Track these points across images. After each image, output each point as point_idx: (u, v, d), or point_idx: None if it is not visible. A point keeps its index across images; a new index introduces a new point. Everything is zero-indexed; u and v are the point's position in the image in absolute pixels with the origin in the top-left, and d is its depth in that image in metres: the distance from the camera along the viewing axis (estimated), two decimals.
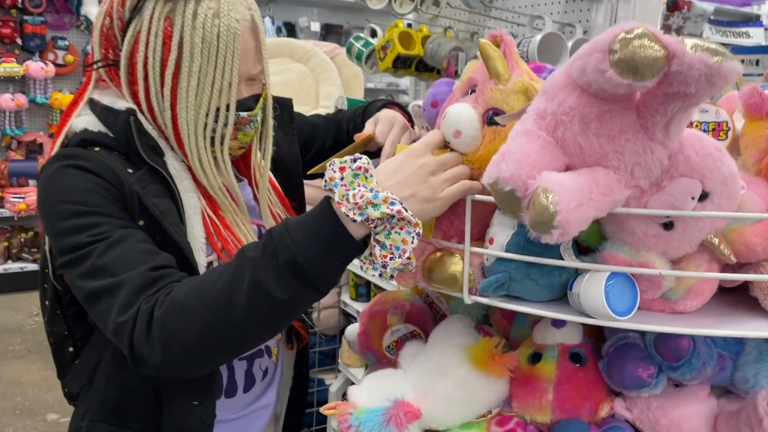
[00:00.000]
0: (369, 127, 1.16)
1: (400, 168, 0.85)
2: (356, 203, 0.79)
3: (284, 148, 1.23)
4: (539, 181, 0.71)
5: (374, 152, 1.11)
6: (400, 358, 1.08)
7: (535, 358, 0.95)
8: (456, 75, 1.89)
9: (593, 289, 0.77)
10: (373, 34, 2.29)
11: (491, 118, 0.86)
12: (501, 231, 0.84)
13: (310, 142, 1.34)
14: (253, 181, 1.14)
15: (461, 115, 0.87)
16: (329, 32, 5.61)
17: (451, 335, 1.01)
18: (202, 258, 0.99)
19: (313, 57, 2.80)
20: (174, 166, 1.00)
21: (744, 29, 3.63)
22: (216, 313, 0.83)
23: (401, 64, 2.10)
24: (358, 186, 0.81)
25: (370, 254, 0.82)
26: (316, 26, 5.54)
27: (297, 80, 2.73)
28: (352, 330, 1.27)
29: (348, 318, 2.51)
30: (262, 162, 1.13)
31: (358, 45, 2.21)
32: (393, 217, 0.80)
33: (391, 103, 1.29)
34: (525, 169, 0.72)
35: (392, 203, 0.79)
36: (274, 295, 0.81)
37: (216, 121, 0.98)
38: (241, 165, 1.16)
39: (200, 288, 0.85)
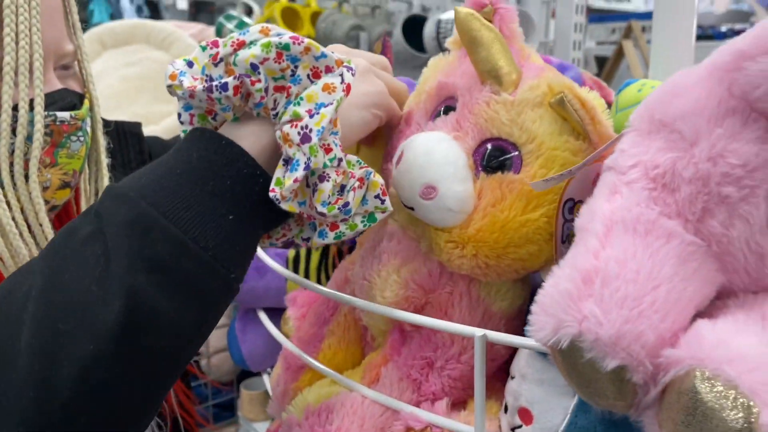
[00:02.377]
0: None
1: None
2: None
3: None
4: (712, 362, 0.28)
5: None
6: None
7: None
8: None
9: None
10: (249, 11, 1.81)
11: (489, 158, 0.44)
12: (545, 396, 0.41)
13: None
14: None
15: (436, 155, 0.44)
16: (199, 11, 4.97)
17: None
18: None
19: (176, 42, 2.24)
20: None
21: None
22: None
23: None
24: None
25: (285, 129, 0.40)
26: (183, 4, 4.88)
27: (156, 72, 2.19)
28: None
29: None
30: None
31: (229, 26, 1.71)
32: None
33: None
34: (652, 323, 0.29)
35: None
36: (158, 308, 0.37)
37: (14, 131, 0.55)
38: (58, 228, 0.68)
39: None
